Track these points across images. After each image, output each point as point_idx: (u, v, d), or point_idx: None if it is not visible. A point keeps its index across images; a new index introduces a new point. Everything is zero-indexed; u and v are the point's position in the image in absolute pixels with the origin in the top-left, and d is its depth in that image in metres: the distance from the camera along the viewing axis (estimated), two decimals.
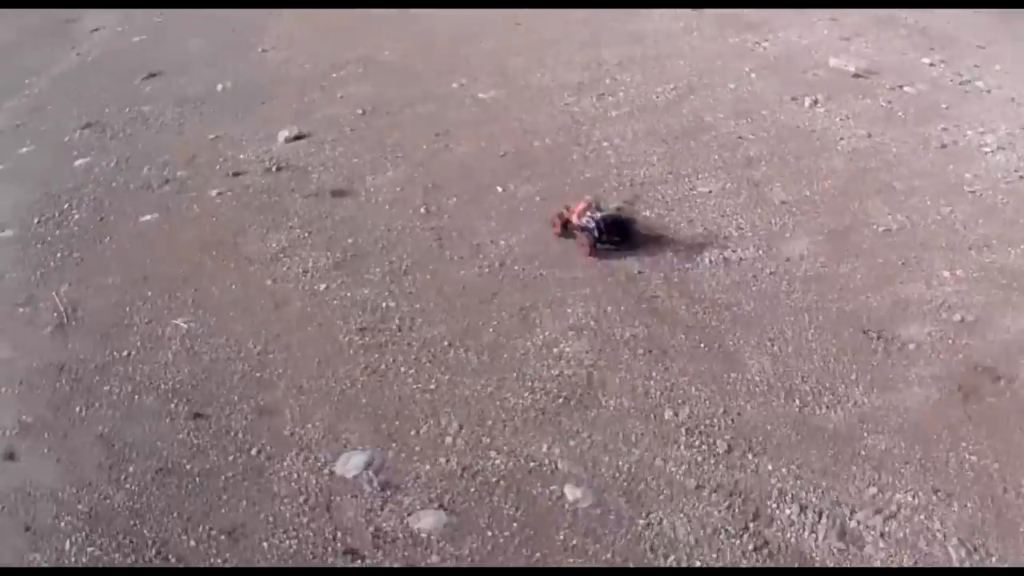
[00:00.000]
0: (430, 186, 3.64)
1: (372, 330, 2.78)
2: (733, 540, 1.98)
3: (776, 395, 2.31)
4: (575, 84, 4.62)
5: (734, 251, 2.93)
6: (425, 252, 3.18)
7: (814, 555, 1.92)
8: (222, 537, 2.09)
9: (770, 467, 2.17)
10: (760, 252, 2.92)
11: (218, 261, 3.16)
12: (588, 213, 2.90)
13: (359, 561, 2.01)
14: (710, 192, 3.37)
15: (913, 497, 2.06)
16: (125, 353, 2.75)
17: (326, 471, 2.28)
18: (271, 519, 2.12)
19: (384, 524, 2.08)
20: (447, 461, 2.27)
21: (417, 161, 3.86)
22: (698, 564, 1.93)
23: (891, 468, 2.15)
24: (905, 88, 4.40)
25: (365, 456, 2.36)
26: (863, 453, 2.20)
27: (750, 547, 1.96)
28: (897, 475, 2.12)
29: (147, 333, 2.82)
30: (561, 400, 2.44)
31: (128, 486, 2.28)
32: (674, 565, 1.92)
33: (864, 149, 3.63)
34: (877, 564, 1.90)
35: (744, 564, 1.92)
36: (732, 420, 2.25)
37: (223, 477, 2.29)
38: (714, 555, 1.94)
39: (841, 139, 3.71)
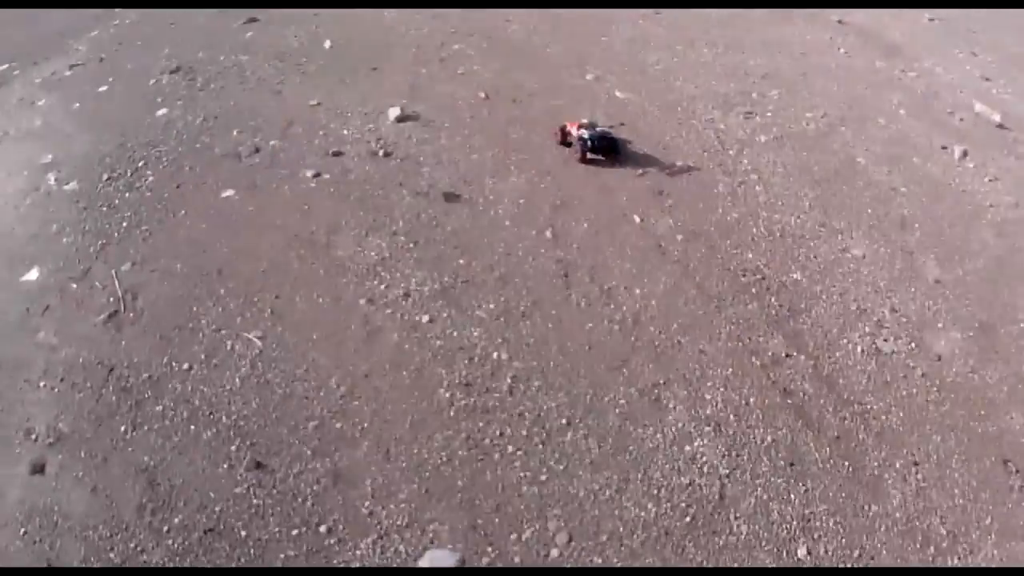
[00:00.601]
0: (558, 203, 3.23)
1: (479, 388, 2.41)
2: None
3: (913, 538, 2.14)
4: (720, 95, 4.29)
5: (886, 340, 2.74)
6: (548, 290, 2.78)
7: None
8: None
9: None
10: (912, 345, 2.74)
11: (306, 262, 2.83)
12: (584, 129, 3.49)
13: None
14: (863, 257, 3.12)
15: None
16: (186, 366, 2.45)
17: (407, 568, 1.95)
18: None
19: None
20: None
21: (544, 167, 3.44)
22: None
23: None
24: None
25: (455, 559, 2.02)
26: None
27: None
28: None
29: (213, 344, 2.50)
30: (688, 519, 2.12)
31: (170, 542, 2.02)
32: None
33: (1013, 221, 3.42)
34: None
35: None
36: (864, 564, 2.05)
37: (282, 556, 1.96)
38: None
39: (990, 206, 3.50)
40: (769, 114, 4.09)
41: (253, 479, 2.13)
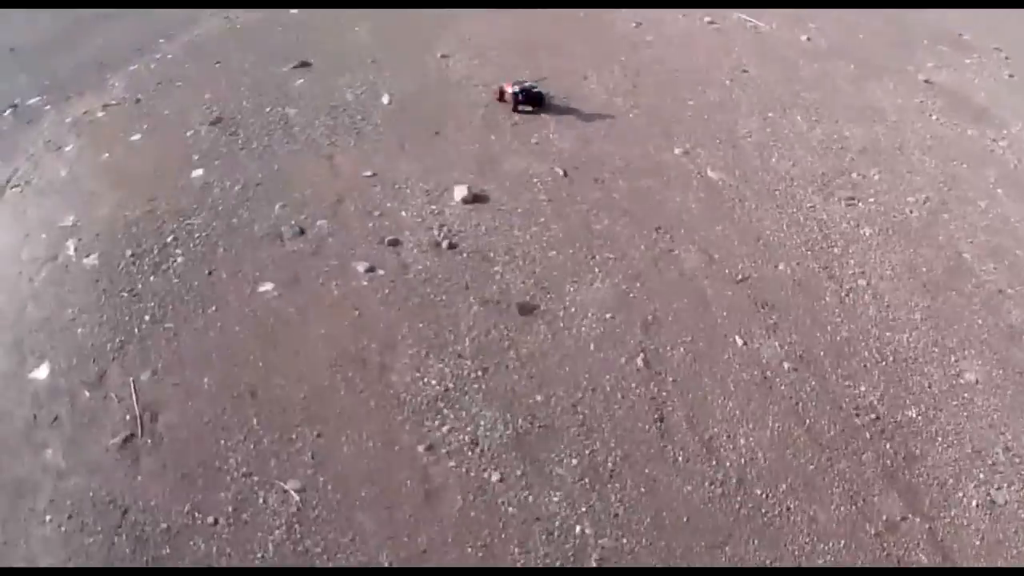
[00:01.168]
0: (650, 319, 2.93)
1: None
2: None
3: None
4: (818, 176, 4.05)
5: (999, 488, 2.49)
6: (641, 441, 2.52)
7: None
8: None
9: None
10: None
11: (354, 389, 2.57)
12: (516, 85, 4.36)
13: None
14: (976, 383, 2.87)
15: None
16: (210, 520, 2.22)
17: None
18: None
19: None
20: None
21: (633, 271, 3.16)
22: None
23: None
24: None
25: None
26: None
27: None
28: None
29: (244, 494, 2.26)
30: None
31: None
32: None
33: None
34: None
35: None
36: None
37: None
38: None
39: None
40: (872, 200, 3.86)
41: None
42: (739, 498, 2.40)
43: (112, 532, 2.24)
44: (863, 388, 2.79)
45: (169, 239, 3.35)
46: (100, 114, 4.63)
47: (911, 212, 3.78)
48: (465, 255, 3.22)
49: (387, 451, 2.42)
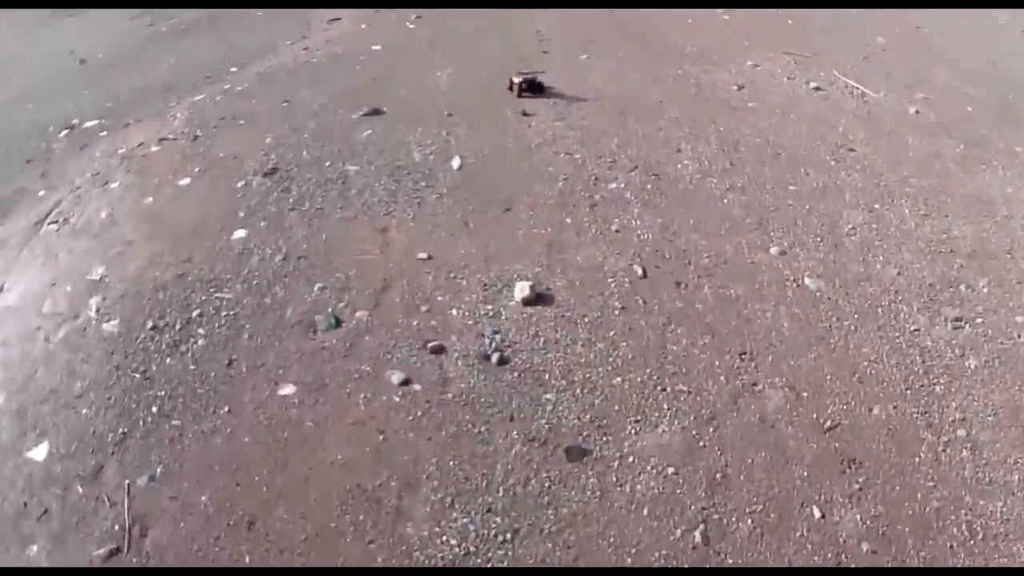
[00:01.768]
0: (718, 477, 2.71)
1: None
2: None
3: None
4: (925, 287, 3.73)
5: None
6: None
7: None
8: None
9: None
10: None
11: (362, 538, 2.43)
12: (521, 77, 5.33)
13: None
14: None
15: None
16: None
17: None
18: None
19: None
20: None
21: (708, 410, 2.95)
22: None
23: None
24: None
25: None
26: None
27: None
28: None
29: None
30: None
31: None
32: None
33: None
34: None
35: None
36: None
37: None
38: None
39: None
40: (979, 320, 3.54)
41: None
42: None
43: None
44: None
45: (195, 313, 3.30)
46: (154, 148, 4.70)
47: (1019, 337, 3.45)
48: (516, 374, 3.02)
49: None
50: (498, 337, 3.18)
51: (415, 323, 3.24)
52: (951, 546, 2.58)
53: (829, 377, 3.18)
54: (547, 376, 3.04)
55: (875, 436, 2.94)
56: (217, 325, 3.25)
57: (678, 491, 2.67)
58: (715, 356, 3.20)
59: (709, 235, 3.92)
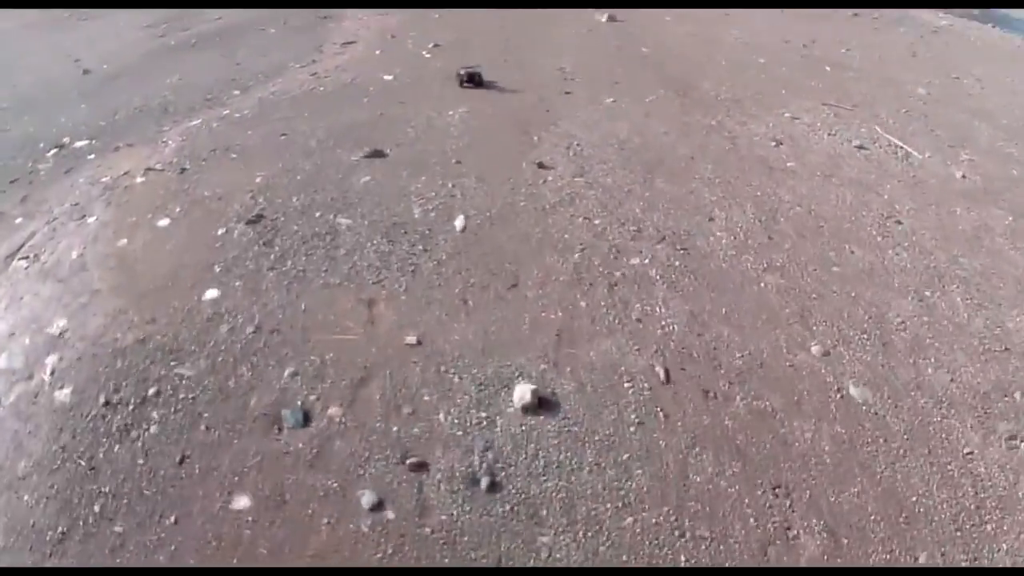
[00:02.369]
0: None
1: None
2: None
3: None
4: (979, 397, 3.24)
5: None
6: None
7: None
8: None
9: None
10: None
11: None
12: (465, 69, 5.75)
13: None
14: None
15: None
16: None
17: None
18: None
19: None
20: None
21: (733, 562, 2.49)
22: None
23: None
24: None
25: None
26: None
27: None
28: None
29: None
30: None
31: None
32: None
33: None
34: None
35: None
36: None
37: None
38: None
39: None
40: None
41: None
42: None
43: None
44: None
45: (151, 391, 2.86)
46: (139, 179, 4.27)
47: None
48: (508, 507, 2.52)
49: None
50: (490, 455, 2.67)
51: (395, 428, 2.75)
52: None
53: (873, 517, 2.68)
54: (544, 511, 2.53)
55: None
56: (173, 409, 2.79)
57: None
58: (745, 490, 2.69)
59: (743, 328, 3.40)
